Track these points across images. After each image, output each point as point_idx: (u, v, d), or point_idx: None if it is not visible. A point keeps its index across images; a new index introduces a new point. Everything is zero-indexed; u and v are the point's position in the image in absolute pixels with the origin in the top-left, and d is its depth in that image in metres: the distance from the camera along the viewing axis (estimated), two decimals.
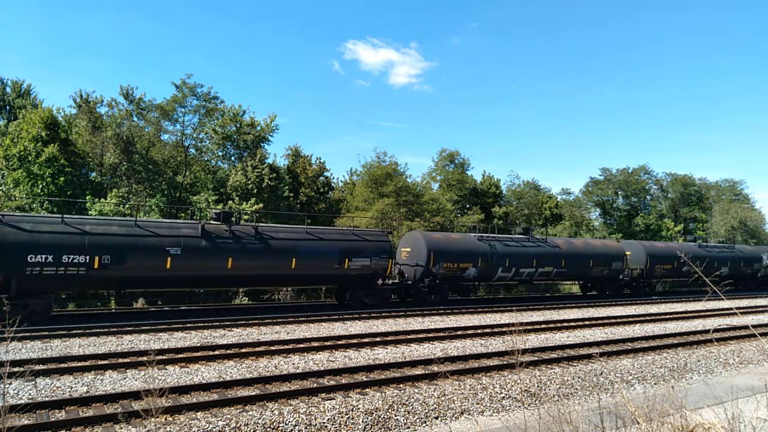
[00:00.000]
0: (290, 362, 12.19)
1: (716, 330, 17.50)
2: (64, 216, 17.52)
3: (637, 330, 19.00)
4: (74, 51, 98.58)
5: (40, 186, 27.45)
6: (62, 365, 11.14)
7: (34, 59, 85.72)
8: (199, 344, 14.02)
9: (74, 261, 16.62)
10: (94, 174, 31.89)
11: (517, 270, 27.08)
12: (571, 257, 29.01)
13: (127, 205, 27.78)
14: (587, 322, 20.02)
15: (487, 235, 27.17)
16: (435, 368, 11.54)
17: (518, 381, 10.81)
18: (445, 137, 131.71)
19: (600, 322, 20.52)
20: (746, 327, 17.92)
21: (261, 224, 21.18)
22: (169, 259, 17.99)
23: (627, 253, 32.34)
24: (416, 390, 10.00)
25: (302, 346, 13.71)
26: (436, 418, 8.98)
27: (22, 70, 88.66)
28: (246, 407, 8.75)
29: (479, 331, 17.38)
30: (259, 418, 8.17)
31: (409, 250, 25.28)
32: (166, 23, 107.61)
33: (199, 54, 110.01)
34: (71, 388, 9.76)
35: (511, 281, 29.25)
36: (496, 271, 26.41)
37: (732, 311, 23.75)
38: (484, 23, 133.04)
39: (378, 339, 15.34)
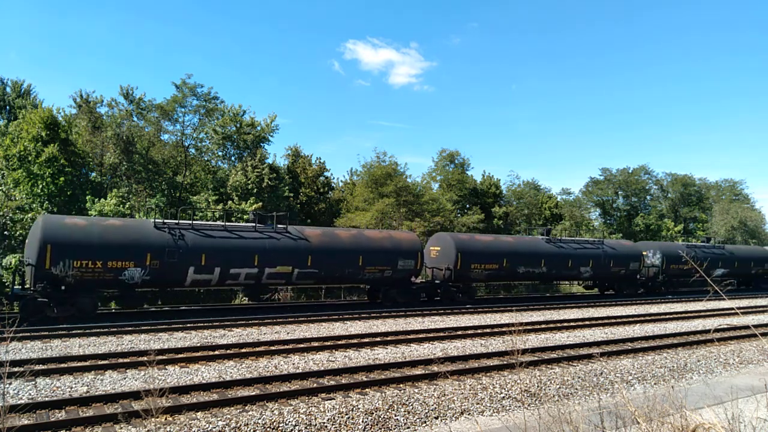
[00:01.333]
0: (290, 362, 12.18)
1: (716, 330, 17.50)
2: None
3: (637, 330, 18.99)
4: (74, 51, 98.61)
5: (40, 186, 27.44)
6: (62, 365, 11.14)
7: (34, 59, 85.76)
8: (199, 344, 14.02)
9: None
10: (94, 174, 31.88)
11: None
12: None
13: (127, 205, 27.77)
14: (587, 322, 20.01)
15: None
16: (435, 368, 11.53)
17: (518, 381, 10.80)
18: (445, 137, 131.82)
19: (600, 322, 20.52)
20: (746, 327, 17.91)
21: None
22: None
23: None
24: (416, 390, 10.00)
25: (302, 346, 13.71)
26: (436, 418, 8.98)
27: (22, 70, 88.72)
28: (246, 407, 8.75)
29: (479, 331, 17.37)
30: (259, 418, 8.17)
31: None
32: (166, 23, 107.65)
33: (199, 54, 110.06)
34: (71, 388, 9.76)
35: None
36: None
37: (732, 311, 23.75)
38: (484, 23, 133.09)
39: (378, 339, 15.34)
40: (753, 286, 39.91)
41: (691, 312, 24.29)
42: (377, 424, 8.48)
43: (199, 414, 8.38)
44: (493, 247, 26.63)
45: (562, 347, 14.61)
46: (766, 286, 39.99)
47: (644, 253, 33.41)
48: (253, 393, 9.39)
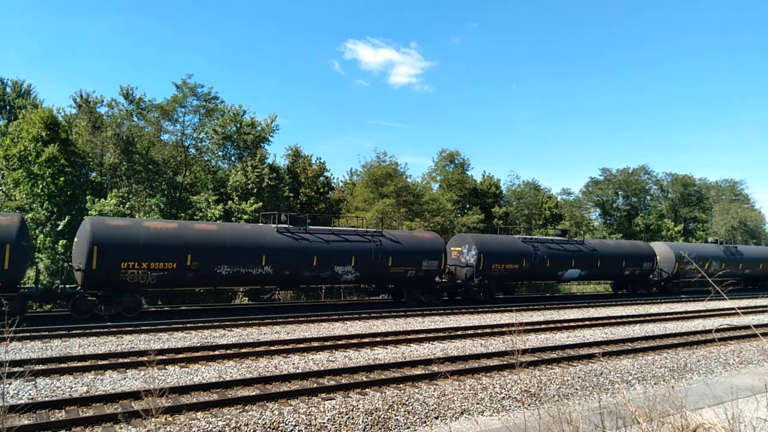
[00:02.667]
0: (290, 362, 12.18)
1: (717, 330, 17.49)
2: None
3: (637, 330, 18.99)
4: (74, 51, 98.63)
5: (40, 186, 27.42)
6: (62, 365, 11.14)
7: (34, 59, 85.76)
8: (199, 344, 14.02)
9: None
10: (94, 174, 31.85)
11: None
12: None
13: (127, 205, 27.76)
14: (587, 322, 20.02)
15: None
16: (435, 368, 11.53)
17: (518, 381, 10.80)
18: (445, 137, 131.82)
19: (600, 322, 20.52)
20: (746, 327, 17.91)
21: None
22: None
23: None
24: (416, 390, 9.99)
25: (302, 346, 13.71)
26: (436, 418, 8.98)
27: (22, 70, 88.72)
28: (246, 407, 8.75)
29: (479, 331, 17.37)
30: (259, 418, 8.16)
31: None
32: (166, 23, 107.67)
33: (199, 54, 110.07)
34: (71, 388, 9.76)
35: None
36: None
37: (732, 311, 23.74)
38: (484, 23, 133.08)
39: (378, 339, 15.34)
40: (629, 290, 33.45)
41: (691, 312, 24.29)
42: (377, 424, 8.48)
43: (199, 414, 8.37)
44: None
45: (562, 347, 14.61)
46: (643, 291, 33.29)
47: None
48: (253, 393, 9.39)
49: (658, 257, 33.35)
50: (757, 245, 48.67)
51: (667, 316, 22.74)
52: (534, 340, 15.98)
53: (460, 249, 26.53)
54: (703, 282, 38.31)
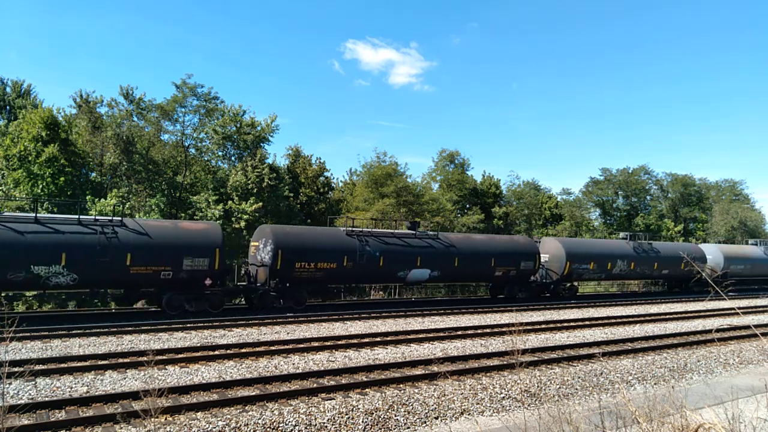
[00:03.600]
0: (290, 362, 12.18)
1: (717, 330, 17.49)
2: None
3: (637, 330, 18.99)
4: (74, 51, 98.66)
5: (40, 186, 27.43)
6: (62, 365, 11.14)
7: (34, 59, 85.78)
8: (199, 344, 14.02)
9: None
10: (94, 174, 31.87)
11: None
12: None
13: (127, 205, 27.76)
14: (587, 322, 20.01)
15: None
16: (435, 368, 11.53)
17: (518, 381, 10.80)
18: (445, 137, 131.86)
19: (600, 322, 20.52)
20: (746, 327, 17.92)
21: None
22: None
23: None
24: (416, 390, 9.99)
25: (302, 346, 13.71)
26: (436, 418, 8.98)
27: (22, 70, 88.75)
28: (246, 407, 8.75)
29: (479, 331, 17.37)
30: (259, 418, 8.16)
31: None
32: (166, 23, 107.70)
33: (199, 54, 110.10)
34: (71, 388, 9.76)
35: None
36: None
37: (732, 311, 23.74)
38: (484, 23, 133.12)
39: (378, 339, 15.34)
40: (506, 294, 27.71)
41: (691, 312, 24.30)
42: (377, 424, 8.47)
43: (199, 414, 8.37)
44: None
45: (562, 347, 14.61)
46: (525, 295, 28.07)
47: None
48: (253, 393, 9.39)
49: (545, 255, 29.21)
50: (669, 241, 44.44)
51: (667, 316, 22.75)
52: (534, 340, 15.98)
53: (257, 244, 22.22)
54: (608, 282, 38.37)
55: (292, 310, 20.48)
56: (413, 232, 24.94)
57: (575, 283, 30.90)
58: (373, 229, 24.42)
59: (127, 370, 11.11)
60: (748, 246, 40.71)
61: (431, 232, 25.86)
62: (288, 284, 21.20)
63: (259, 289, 20.66)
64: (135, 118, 32.05)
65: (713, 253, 36.42)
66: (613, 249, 31.37)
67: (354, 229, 23.16)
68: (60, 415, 8.23)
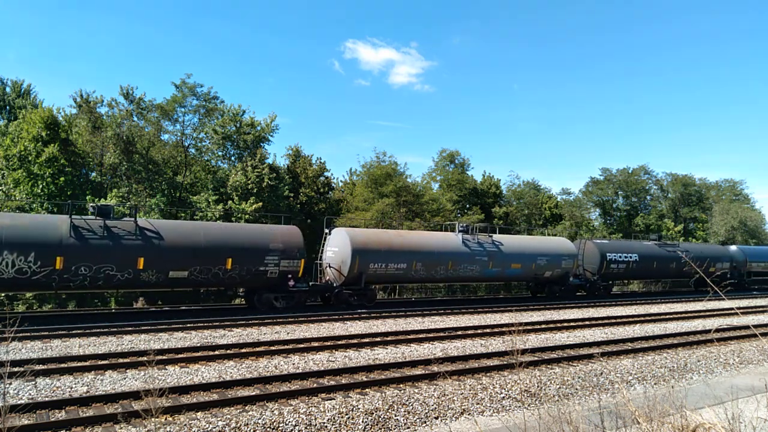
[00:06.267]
0: (290, 362, 12.18)
1: (717, 330, 17.49)
2: None
3: (637, 330, 19.00)
4: (74, 51, 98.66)
5: (40, 186, 27.43)
6: (62, 365, 11.14)
7: (34, 59, 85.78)
8: (199, 344, 14.02)
9: None
10: (94, 174, 31.86)
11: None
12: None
13: (127, 205, 27.76)
14: (587, 322, 20.01)
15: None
16: (435, 368, 11.53)
17: (518, 381, 10.80)
18: (445, 137, 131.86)
19: (600, 322, 20.52)
20: (746, 327, 17.92)
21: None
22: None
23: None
24: (416, 390, 9.99)
25: (302, 346, 13.71)
26: (436, 418, 8.98)
27: (21, 70, 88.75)
28: (246, 407, 8.75)
29: (479, 331, 17.37)
30: (259, 418, 8.16)
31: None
32: (166, 23, 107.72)
33: (199, 54, 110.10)
34: (71, 388, 9.76)
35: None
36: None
37: (732, 311, 23.75)
38: (485, 23, 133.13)
39: (378, 339, 15.34)
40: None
41: (691, 312, 24.30)
42: (377, 424, 8.48)
43: (199, 414, 8.37)
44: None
45: (562, 347, 14.60)
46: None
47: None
48: (253, 393, 9.39)
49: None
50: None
51: (667, 316, 22.75)
52: (534, 340, 15.98)
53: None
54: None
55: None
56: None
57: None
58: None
59: (127, 370, 11.11)
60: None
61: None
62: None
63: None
64: (135, 118, 32.06)
65: None
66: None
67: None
68: (60, 415, 8.23)
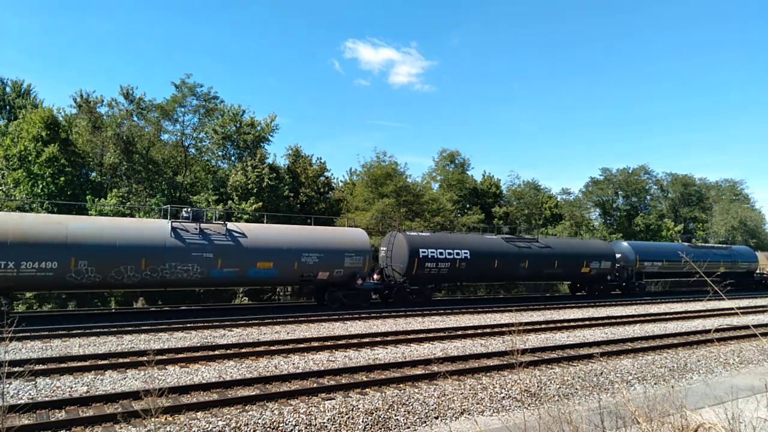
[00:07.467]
0: (290, 362, 12.18)
1: (717, 330, 17.49)
2: None
3: (637, 330, 18.99)
4: (74, 51, 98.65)
5: (40, 186, 27.43)
6: (62, 365, 11.14)
7: (34, 59, 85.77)
8: (199, 344, 14.02)
9: None
10: (94, 174, 31.86)
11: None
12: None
13: (127, 205, 27.77)
14: (587, 322, 20.01)
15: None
16: (435, 368, 11.53)
17: (518, 381, 10.80)
18: (445, 137, 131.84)
19: (600, 322, 20.52)
20: (746, 327, 17.92)
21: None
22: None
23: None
24: (416, 390, 9.99)
25: (302, 346, 13.70)
26: (436, 418, 8.98)
27: (21, 70, 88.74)
28: (246, 407, 8.74)
29: (479, 331, 17.37)
30: (259, 418, 8.16)
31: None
32: (166, 23, 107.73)
33: (199, 54, 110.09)
34: (71, 388, 9.76)
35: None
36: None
37: (732, 311, 23.75)
38: (485, 23, 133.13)
39: (378, 339, 15.34)
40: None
41: (691, 312, 24.30)
42: (377, 424, 8.48)
43: (199, 414, 8.37)
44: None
45: (562, 347, 14.59)
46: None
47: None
48: (253, 393, 9.38)
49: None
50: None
51: (667, 316, 22.75)
52: (534, 340, 15.98)
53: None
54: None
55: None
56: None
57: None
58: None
59: (127, 370, 11.11)
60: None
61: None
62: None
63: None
64: (135, 118, 32.06)
65: None
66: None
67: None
68: (60, 415, 8.23)
